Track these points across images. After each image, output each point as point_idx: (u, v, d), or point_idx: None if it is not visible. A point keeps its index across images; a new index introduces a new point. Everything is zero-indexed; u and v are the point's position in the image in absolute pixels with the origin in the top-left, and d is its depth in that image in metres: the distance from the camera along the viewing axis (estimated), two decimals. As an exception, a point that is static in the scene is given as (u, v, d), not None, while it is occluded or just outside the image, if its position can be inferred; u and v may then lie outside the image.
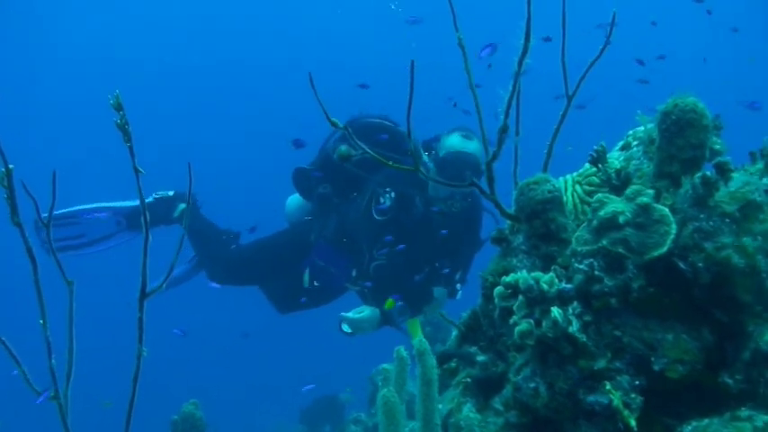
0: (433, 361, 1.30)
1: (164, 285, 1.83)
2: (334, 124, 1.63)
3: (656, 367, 1.43)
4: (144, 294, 1.79)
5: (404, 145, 3.85)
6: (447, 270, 3.83)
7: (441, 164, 3.56)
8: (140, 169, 1.75)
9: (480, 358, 1.77)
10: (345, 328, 3.77)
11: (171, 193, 4.70)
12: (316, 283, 4.17)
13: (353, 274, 3.93)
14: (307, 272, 4.17)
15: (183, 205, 4.71)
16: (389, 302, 3.54)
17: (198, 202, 4.77)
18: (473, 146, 3.58)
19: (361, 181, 3.95)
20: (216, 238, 4.69)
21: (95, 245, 4.67)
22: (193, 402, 4.26)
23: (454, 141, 3.60)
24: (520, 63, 1.64)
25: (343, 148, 1.73)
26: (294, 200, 4.54)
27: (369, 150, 1.69)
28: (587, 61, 1.76)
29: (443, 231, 3.71)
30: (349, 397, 7.96)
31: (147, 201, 5.13)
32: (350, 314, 3.70)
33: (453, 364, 1.82)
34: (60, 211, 4.51)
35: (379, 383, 1.34)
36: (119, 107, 1.70)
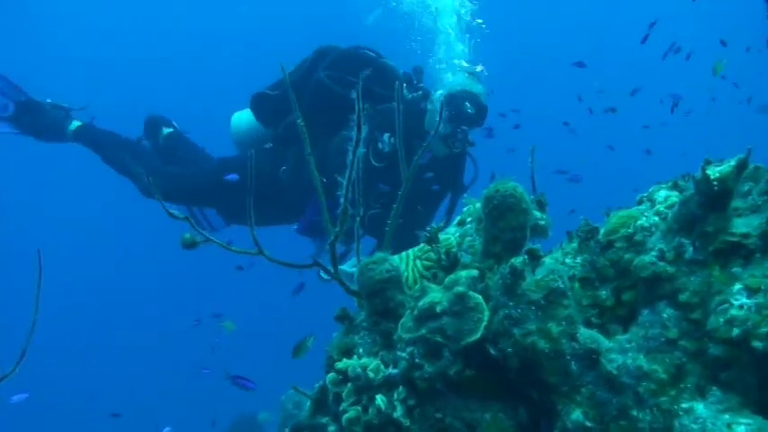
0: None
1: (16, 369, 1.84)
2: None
3: (475, 446, 1.53)
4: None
5: (387, 78, 3.97)
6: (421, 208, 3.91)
7: (449, 99, 3.72)
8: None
9: (331, 429, 1.84)
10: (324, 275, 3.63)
11: (66, 104, 4.57)
12: None
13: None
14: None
15: (77, 122, 4.55)
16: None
17: (93, 118, 4.62)
18: (478, 87, 3.83)
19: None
20: (129, 148, 4.53)
21: None
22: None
23: (461, 80, 3.83)
24: (354, 152, 1.71)
25: (188, 236, 1.74)
26: (243, 118, 4.31)
27: (213, 238, 1.72)
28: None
29: (430, 175, 3.81)
30: (267, 417, 7.97)
31: (45, 101, 4.87)
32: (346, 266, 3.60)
33: (304, 438, 1.88)
34: None
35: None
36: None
